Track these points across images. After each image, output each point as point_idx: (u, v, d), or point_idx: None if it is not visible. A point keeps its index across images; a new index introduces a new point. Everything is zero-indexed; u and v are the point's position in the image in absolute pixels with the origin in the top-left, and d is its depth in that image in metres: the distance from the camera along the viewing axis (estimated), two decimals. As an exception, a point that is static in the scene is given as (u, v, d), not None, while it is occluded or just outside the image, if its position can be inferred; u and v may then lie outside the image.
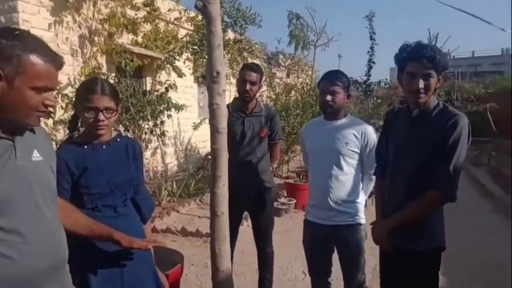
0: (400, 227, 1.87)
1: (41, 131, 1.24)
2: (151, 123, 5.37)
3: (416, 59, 1.77)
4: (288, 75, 13.34)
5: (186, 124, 7.62)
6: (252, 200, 2.92)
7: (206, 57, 2.07)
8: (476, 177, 8.13)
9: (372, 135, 2.32)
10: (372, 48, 7.65)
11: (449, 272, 3.68)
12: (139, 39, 6.02)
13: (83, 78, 4.92)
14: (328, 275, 2.48)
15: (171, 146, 7.45)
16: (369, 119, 8.06)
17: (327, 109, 2.33)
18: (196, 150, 8.27)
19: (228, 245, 2.12)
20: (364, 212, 2.38)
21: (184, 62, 6.38)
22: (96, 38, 5.43)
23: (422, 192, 1.79)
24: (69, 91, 4.66)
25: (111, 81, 4.78)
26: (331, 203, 2.28)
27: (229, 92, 7.05)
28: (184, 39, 6.40)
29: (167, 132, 5.78)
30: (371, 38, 7.57)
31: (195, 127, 7.09)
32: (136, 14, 5.77)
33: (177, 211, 5.43)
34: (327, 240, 2.35)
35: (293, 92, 9.59)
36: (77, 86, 4.36)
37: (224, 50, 6.67)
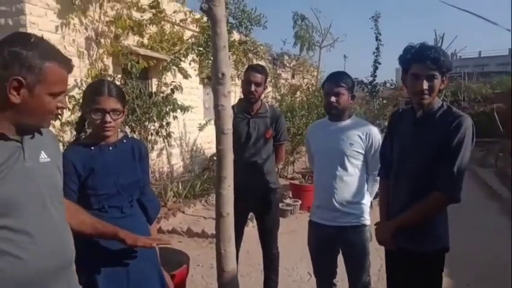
0: (404, 228, 1.87)
1: (47, 132, 1.27)
2: (157, 124, 5.39)
3: (420, 60, 1.78)
4: (293, 76, 13.34)
5: (191, 125, 7.64)
6: (258, 201, 2.93)
7: (211, 58, 2.08)
8: (483, 178, 8.07)
9: (377, 136, 2.32)
10: (377, 49, 7.65)
11: (455, 274, 3.66)
12: (145, 41, 6.05)
13: (89, 80, 4.96)
14: (333, 276, 2.48)
15: (177, 147, 7.47)
16: (375, 119, 8.05)
17: (331, 110, 2.33)
18: (201, 151, 8.30)
19: (233, 246, 2.13)
20: (369, 213, 2.38)
21: (189, 64, 6.41)
22: (102, 40, 5.47)
23: (426, 194, 1.79)
24: (76, 93, 4.69)
25: (118, 83, 4.82)
26: (335, 204, 2.28)
27: (234, 93, 7.06)
28: (189, 40, 6.43)
29: (173, 133, 5.81)
30: (377, 39, 7.56)
31: (201, 128, 7.11)
32: (142, 16, 5.80)
33: (183, 212, 5.45)
34: (332, 242, 2.35)
35: (298, 93, 9.59)
36: (83, 88, 4.41)
37: (229, 51, 6.69)
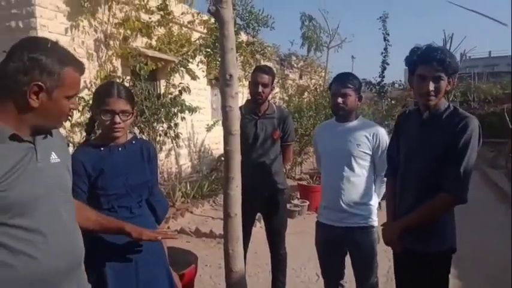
0: (410, 228, 1.87)
1: (56, 133, 1.29)
2: (165, 125, 5.43)
3: (426, 61, 1.78)
4: (300, 77, 13.33)
5: (199, 126, 7.68)
6: (265, 202, 2.94)
7: (219, 59, 2.10)
8: (494, 179, 7.98)
9: (384, 136, 2.31)
10: (385, 49, 7.63)
11: (464, 275, 3.63)
12: (154, 43, 6.09)
13: (98, 82, 5.01)
14: (341, 277, 2.48)
15: (185, 147, 7.51)
16: (383, 120, 8.01)
17: (338, 111, 2.33)
18: (209, 152, 8.33)
19: (241, 246, 2.14)
20: (377, 215, 2.37)
21: (197, 65, 6.44)
22: (111, 42, 5.53)
23: (433, 194, 1.79)
24: (86, 94, 4.74)
25: (126, 85, 4.86)
26: (342, 204, 2.28)
27: (242, 94, 7.08)
28: (197, 42, 6.46)
29: (181, 134, 5.84)
30: (385, 39, 7.54)
31: (208, 129, 7.14)
32: (150, 18, 5.85)
33: (191, 212, 5.48)
34: (339, 243, 2.34)
35: (306, 94, 9.59)
36: (92, 89, 4.47)
37: (237, 52, 6.71)
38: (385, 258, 2.86)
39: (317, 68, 13.61)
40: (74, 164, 1.66)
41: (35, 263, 1.09)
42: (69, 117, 4.28)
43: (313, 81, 12.41)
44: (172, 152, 6.95)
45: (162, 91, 5.99)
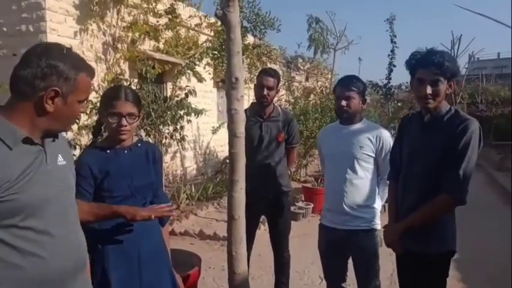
0: (411, 230, 1.89)
1: (61, 136, 1.33)
2: (171, 128, 5.47)
3: (424, 65, 1.82)
4: (307, 79, 13.34)
5: (205, 128, 7.72)
6: (270, 204, 2.95)
7: (226, 62, 2.13)
8: (501, 182, 7.91)
9: (387, 139, 2.32)
10: (392, 51, 7.61)
11: (468, 278, 3.62)
12: (161, 46, 6.14)
13: (106, 85, 5.06)
14: (343, 279, 2.48)
15: (190, 150, 7.55)
16: (389, 122, 7.99)
17: (342, 114, 2.35)
18: (215, 154, 8.36)
19: (244, 248, 2.15)
20: (381, 218, 2.38)
21: (204, 67, 6.48)
22: (119, 45, 5.59)
23: (433, 196, 1.81)
24: (93, 97, 4.79)
25: (134, 87, 4.91)
26: (345, 207, 2.29)
27: (247, 97, 7.11)
28: (204, 44, 6.50)
29: (187, 136, 5.88)
30: (392, 41, 7.52)
31: (214, 131, 7.17)
32: (158, 21, 5.90)
33: (196, 214, 5.50)
34: (342, 245, 2.35)
35: (312, 96, 9.59)
36: (100, 92, 4.52)
37: (243, 54, 6.75)
38: (388, 261, 2.86)
39: (323, 70, 13.61)
40: (81, 166, 1.70)
41: (44, 263, 1.12)
42: (77, 120, 4.35)
43: (319, 83, 12.41)
44: (178, 154, 6.99)
45: (169, 94, 6.04)
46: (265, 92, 2.82)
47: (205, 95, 7.67)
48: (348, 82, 2.33)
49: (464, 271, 3.73)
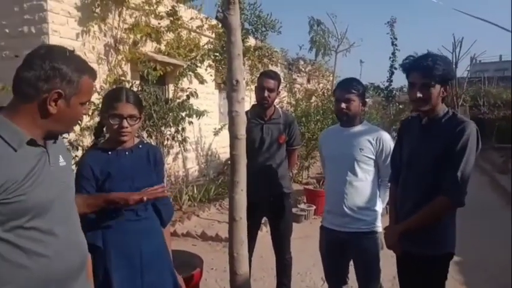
0: (410, 231, 1.90)
1: (59, 137, 1.33)
2: (173, 129, 5.48)
3: (415, 69, 1.85)
4: (308, 81, 13.35)
5: (207, 130, 7.73)
6: (271, 206, 2.96)
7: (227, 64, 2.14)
8: (503, 184, 7.89)
9: (388, 141, 2.32)
10: (393, 53, 7.62)
11: (471, 281, 3.60)
12: (163, 47, 6.17)
13: (108, 86, 5.08)
14: (344, 282, 2.48)
15: (192, 151, 7.56)
16: (391, 125, 7.99)
17: (342, 117, 2.35)
18: (216, 156, 8.37)
19: (245, 249, 2.16)
20: (382, 220, 2.37)
21: (206, 69, 6.50)
22: (121, 47, 5.61)
23: (433, 198, 1.82)
24: (95, 98, 4.81)
25: (135, 89, 4.92)
26: (345, 209, 2.29)
27: (249, 99, 7.13)
28: (206, 46, 6.52)
29: (188, 138, 5.89)
30: (393, 44, 7.54)
31: (216, 133, 7.19)
32: (159, 23, 5.92)
33: (198, 215, 5.50)
34: (343, 247, 2.35)
35: (313, 98, 9.60)
36: (102, 94, 4.53)
37: (245, 56, 6.76)
38: (391, 264, 2.84)
39: (325, 72, 13.62)
40: (83, 168, 1.71)
41: (48, 262, 1.13)
42: (79, 122, 4.36)
43: (320, 85, 12.42)
44: (180, 156, 7.00)
45: (171, 95, 6.06)
46: (266, 94, 2.83)
47: (207, 96, 7.69)
48: (348, 85, 2.34)
49: (468, 274, 3.72)
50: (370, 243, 2.30)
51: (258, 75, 3.06)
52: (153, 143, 4.92)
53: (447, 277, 1.94)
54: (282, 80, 9.87)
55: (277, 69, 9.24)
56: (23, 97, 1.13)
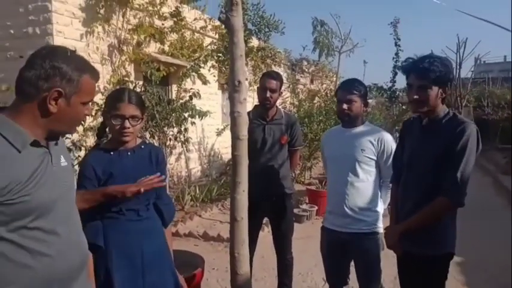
0: (410, 231, 1.91)
1: (60, 138, 1.34)
2: (175, 130, 5.50)
3: (412, 71, 1.87)
4: (311, 82, 13.35)
5: (209, 130, 7.75)
6: (273, 206, 2.97)
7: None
8: (506, 186, 7.86)
9: (389, 142, 2.32)
10: (396, 54, 7.60)
11: (474, 283, 3.60)
12: (166, 48, 6.19)
13: (111, 87, 5.11)
14: (345, 282, 2.49)
15: (195, 151, 7.58)
16: (394, 125, 7.97)
17: (344, 117, 2.36)
18: (219, 156, 8.39)
19: (246, 249, 2.17)
20: (383, 221, 2.38)
21: (209, 70, 6.52)
22: (124, 47, 5.64)
23: (433, 198, 1.83)
24: (99, 99, 4.84)
25: (138, 90, 4.95)
26: (346, 209, 2.30)
27: (252, 99, 7.14)
28: (209, 47, 6.54)
29: (191, 138, 5.91)
30: (396, 44, 7.52)
31: (219, 133, 7.21)
32: (163, 24, 5.95)
33: (200, 216, 5.52)
34: (343, 248, 2.36)
35: (317, 99, 9.59)
36: (105, 94, 4.56)
37: (248, 57, 6.77)
38: (392, 264, 2.85)
39: (328, 72, 13.61)
40: (85, 168, 1.72)
41: (52, 262, 1.14)
42: (82, 123, 4.38)
43: (324, 86, 12.41)
44: (183, 156, 7.02)
45: (174, 96, 6.08)
46: (268, 94, 2.84)
47: (210, 97, 7.71)
48: (350, 86, 2.35)
49: (469, 275, 3.71)
50: (371, 244, 2.31)
51: (260, 76, 3.07)
52: (155, 144, 4.95)
53: (447, 277, 1.94)
54: (285, 81, 9.85)
55: (280, 69, 9.25)
56: (24, 97, 1.14)
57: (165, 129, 5.29)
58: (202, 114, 5.49)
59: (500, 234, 4.94)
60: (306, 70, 12.81)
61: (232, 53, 2.05)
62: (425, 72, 1.81)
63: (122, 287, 1.71)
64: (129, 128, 1.73)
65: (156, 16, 5.83)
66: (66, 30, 4.81)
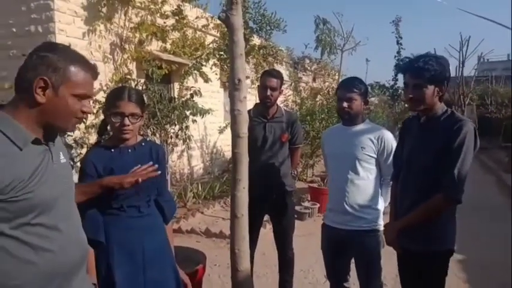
0: (409, 228, 1.93)
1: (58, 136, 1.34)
2: (177, 127, 5.53)
3: (408, 70, 1.90)
4: (314, 80, 13.33)
5: (212, 128, 7.77)
6: (273, 203, 2.98)
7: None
8: (509, 184, 7.84)
9: (390, 140, 2.33)
10: (398, 52, 7.60)
11: (477, 281, 3.60)
12: (168, 46, 6.21)
13: (113, 85, 5.13)
14: (346, 279, 2.50)
15: (197, 149, 7.61)
16: (396, 123, 7.97)
17: (344, 115, 2.38)
18: (221, 154, 8.41)
19: (247, 246, 2.19)
20: (384, 219, 2.39)
21: (211, 68, 6.54)
22: (126, 46, 5.66)
23: (431, 195, 1.84)
24: (102, 96, 4.87)
25: (140, 88, 4.97)
26: (347, 207, 2.31)
27: (254, 97, 7.15)
28: (211, 45, 6.55)
29: (192, 136, 5.93)
30: (397, 43, 7.52)
31: (221, 131, 7.23)
32: (165, 22, 5.96)
33: (202, 212, 5.55)
34: (344, 245, 2.37)
35: (319, 97, 9.59)
36: (108, 92, 4.58)
37: (249, 55, 6.76)
38: (393, 261, 2.86)
39: (331, 71, 13.58)
40: (86, 164, 1.75)
41: (54, 257, 1.16)
42: (84, 120, 4.40)
43: (326, 84, 12.39)
44: (185, 154, 7.05)
45: (176, 94, 6.10)
46: (269, 92, 2.85)
47: (212, 95, 7.73)
48: (350, 84, 2.36)
49: (471, 272, 3.72)
50: (371, 241, 2.32)
51: (261, 75, 3.09)
52: (157, 141, 4.97)
53: (447, 273, 1.95)
54: (288, 79, 9.84)
55: (282, 67, 9.24)
56: (19, 92, 1.15)
57: (167, 127, 5.31)
58: (204, 112, 5.51)
59: (503, 232, 4.94)
60: (308, 68, 12.79)
61: (232, 51, 2.06)
62: (420, 71, 1.83)
63: (123, 283, 1.72)
64: (128, 125, 1.75)
65: (158, 14, 5.84)
66: (68, 28, 4.83)
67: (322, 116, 7.51)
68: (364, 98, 2.36)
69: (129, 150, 1.83)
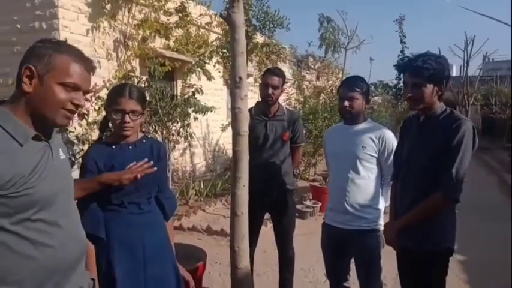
0: (408, 227, 1.93)
1: (54, 132, 1.33)
2: (178, 125, 5.54)
3: (407, 69, 1.90)
4: (317, 78, 13.30)
5: (214, 126, 7.78)
6: (274, 202, 2.98)
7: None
8: (509, 184, 7.81)
9: (391, 140, 2.32)
10: (402, 51, 7.57)
11: (477, 281, 3.59)
12: (171, 44, 6.22)
13: (116, 81, 5.15)
14: (345, 279, 2.50)
15: (200, 146, 7.62)
16: (398, 122, 7.94)
17: (345, 114, 2.37)
18: (224, 152, 8.42)
19: (246, 244, 2.19)
20: (384, 219, 2.38)
21: (214, 66, 6.54)
22: (130, 43, 5.67)
23: (430, 194, 1.84)
24: (104, 93, 4.89)
25: (143, 85, 4.98)
26: (347, 206, 2.30)
27: (256, 95, 7.14)
28: (214, 43, 6.55)
29: (194, 134, 5.94)
30: (401, 42, 7.49)
31: (223, 129, 7.22)
32: (168, 20, 5.97)
33: (204, 210, 5.57)
34: (343, 245, 2.37)
35: (322, 95, 9.58)
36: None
37: (252, 53, 6.75)
38: (394, 261, 2.86)
39: (334, 69, 13.56)
40: (87, 161, 1.76)
41: (54, 253, 1.17)
42: (86, 116, 4.41)
43: (329, 82, 12.37)
44: (187, 151, 7.06)
45: (179, 91, 6.11)
46: (270, 91, 2.85)
47: (215, 92, 7.73)
48: (351, 83, 2.36)
49: (472, 273, 3.71)
50: (371, 241, 2.31)
51: (263, 72, 3.08)
52: (159, 138, 4.98)
53: (447, 273, 1.95)
54: (291, 77, 9.81)
55: (285, 66, 9.23)
56: (17, 87, 1.16)
57: (169, 124, 5.32)
58: (206, 110, 5.51)
59: (506, 232, 4.93)
60: (312, 66, 12.77)
61: (233, 49, 2.06)
62: (419, 70, 1.83)
63: (124, 279, 1.73)
64: (129, 122, 1.75)
65: (162, 11, 5.85)
66: (72, 25, 4.85)
67: (325, 114, 7.50)
68: (365, 97, 2.35)
69: (130, 147, 1.83)
